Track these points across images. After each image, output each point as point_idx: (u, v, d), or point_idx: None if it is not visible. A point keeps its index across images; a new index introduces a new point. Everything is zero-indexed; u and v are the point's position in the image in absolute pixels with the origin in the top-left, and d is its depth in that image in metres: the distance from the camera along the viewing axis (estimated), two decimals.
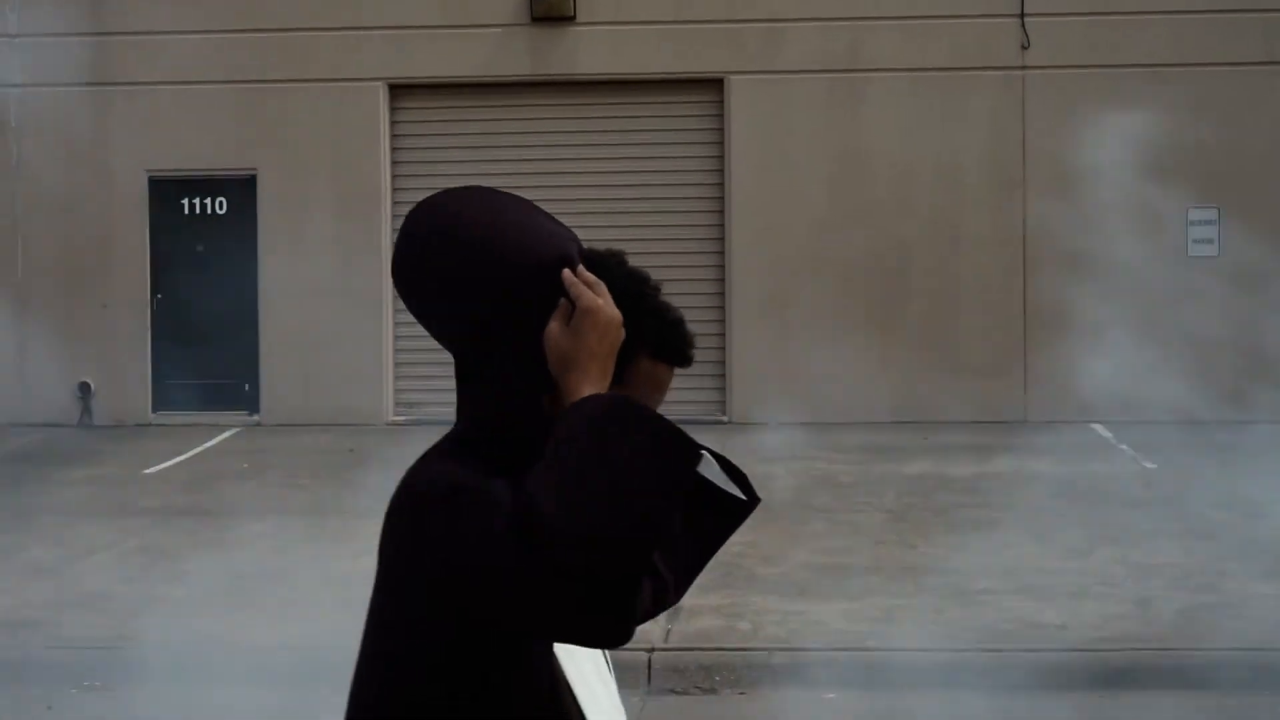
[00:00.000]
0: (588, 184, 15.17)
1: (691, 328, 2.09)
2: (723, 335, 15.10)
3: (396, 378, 15.65)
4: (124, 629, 7.48)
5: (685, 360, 2.04)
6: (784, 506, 9.74)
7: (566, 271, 1.93)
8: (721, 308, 15.20)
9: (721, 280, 15.30)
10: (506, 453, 1.93)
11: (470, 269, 1.94)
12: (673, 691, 6.95)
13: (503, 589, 1.81)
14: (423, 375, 14.83)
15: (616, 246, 2.10)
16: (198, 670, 6.88)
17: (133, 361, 15.65)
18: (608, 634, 1.84)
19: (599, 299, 1.91)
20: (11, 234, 15.67)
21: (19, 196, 15.63)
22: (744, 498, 2.08)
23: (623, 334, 1.93)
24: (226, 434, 14.90)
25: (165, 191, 15.71)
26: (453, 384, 2.05)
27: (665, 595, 2.00)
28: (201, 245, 15.79)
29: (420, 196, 2.17)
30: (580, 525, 1.73)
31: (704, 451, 2.03)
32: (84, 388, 15.54)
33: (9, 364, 15.54)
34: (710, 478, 2.03)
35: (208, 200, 15.74)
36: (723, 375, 15.13)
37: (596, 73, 15.40)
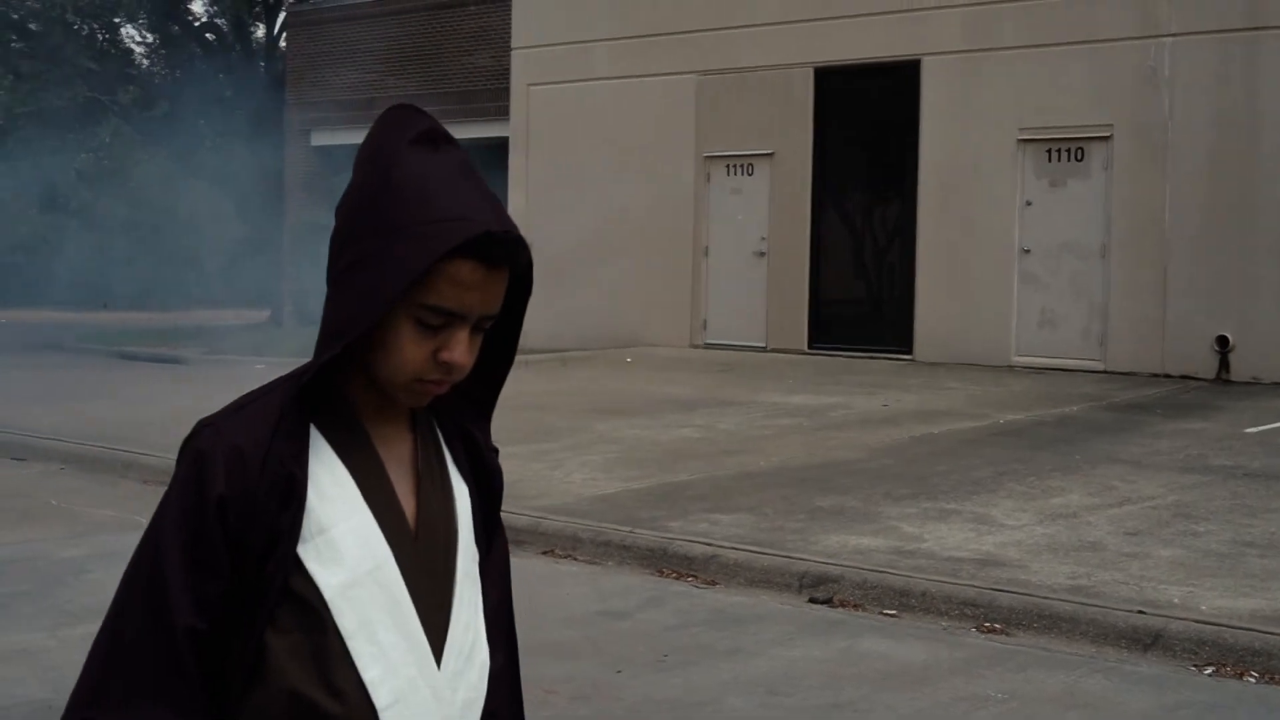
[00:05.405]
0: None
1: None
2: None
3: None
4: (1084, 582, 7.35)
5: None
6: None
7: None
8: None
9: None
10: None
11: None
12: None
13: None
14: None
15: None
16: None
17: (1275, 317, 15.00)
18: None
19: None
20: (1160, 185, 15.74)
21: (1169, 148, 15.64)
22: None
23: None
24: None
25: None
26: None
27: None
28: None
29: None
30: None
31: None
32: (1222, 342, 15.21)
33: (1153, 317, 15.67)
34: None
35: None
36: None
37: None
